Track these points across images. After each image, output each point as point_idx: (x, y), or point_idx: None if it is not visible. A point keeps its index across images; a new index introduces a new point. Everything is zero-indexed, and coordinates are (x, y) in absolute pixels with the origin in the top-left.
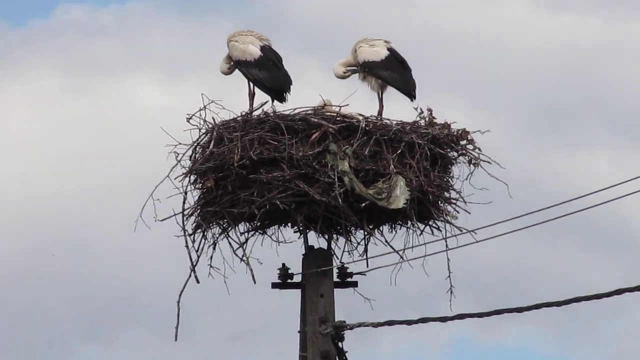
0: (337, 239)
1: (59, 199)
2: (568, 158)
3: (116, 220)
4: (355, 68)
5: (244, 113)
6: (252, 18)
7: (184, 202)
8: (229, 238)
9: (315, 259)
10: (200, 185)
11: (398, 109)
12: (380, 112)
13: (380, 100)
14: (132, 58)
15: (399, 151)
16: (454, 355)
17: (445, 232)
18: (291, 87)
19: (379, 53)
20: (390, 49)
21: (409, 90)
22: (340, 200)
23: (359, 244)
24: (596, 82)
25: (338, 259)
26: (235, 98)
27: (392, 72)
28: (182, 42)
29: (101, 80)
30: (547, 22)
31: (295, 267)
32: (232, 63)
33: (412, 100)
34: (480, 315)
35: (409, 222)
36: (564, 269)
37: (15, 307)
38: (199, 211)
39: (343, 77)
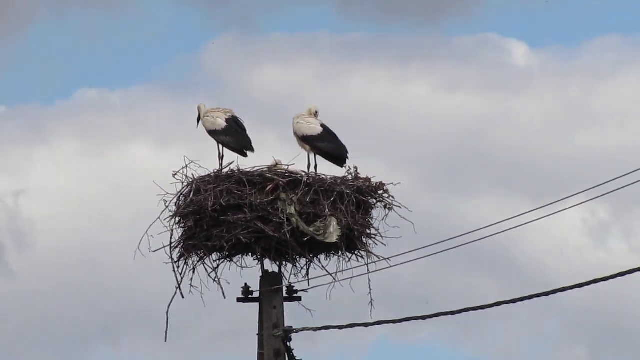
0: (286, 265)
1: (78, 234)
2: (460, 203)
3: (120, 250)
4: None
5: (215, 170)
6: (223, 95)
7: (170, 237)
8: (204, 264)
9: (270, 280)
10: (183, 224)
11: (330, 166)
12: (315, 168)
13: (314, 159)
14: (132, 129)
15: (332, 199)
16: (375, 352)
17: (367, 260)
18: (252, 145)
19: (315, 129)
20: (322, 125)
21: (342, 157)
22: (288, 236)
23: (302, 268)
24: (481, 145)
25: (286, 279)
26: (210, 159)
27: (327, 143)
28: (170, 117)
29: (109, 145)
30: (444, 100)
31: (255, 286)
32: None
33: (341, 166)
34: (394, 321)
35: (340, 252)
36: (458, 286)
37: (47, 313)
38: (182, 244)
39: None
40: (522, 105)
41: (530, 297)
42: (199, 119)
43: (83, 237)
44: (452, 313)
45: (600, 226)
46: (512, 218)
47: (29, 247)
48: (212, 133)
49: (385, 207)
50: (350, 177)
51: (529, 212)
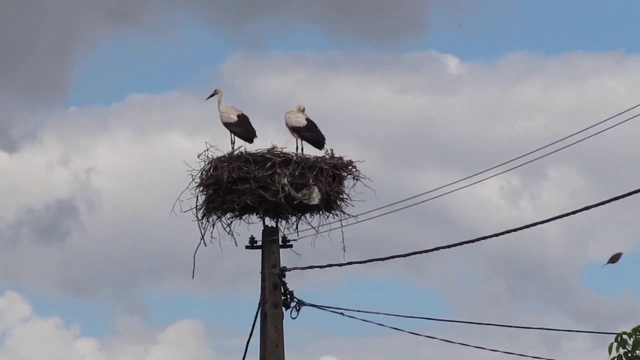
0: (281, 221)
1: (130, 199)
2: (410, 175)
3: (160, 211)
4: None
5: (229, 152)
6: (235, 98)
7: (196, 202)
8: (221, 221)
9: (269, 232)
10: (205, 192)
11: (312, 149)
12: (302, 150)
13: (301, 144)
14: (169, 123)
15: (314, 172)
16: (347, 285)
17: (341, 216)
18: (256, 134)
19: (301, 122)
20: (307, 118)
21: (321, 142)
22: (282, 200)
23: (293, 223)
24: (425, 133)
25: (282, 232)
26: (224, 145)
27: (310, 132)
28: (197, 114)
29: (152, 135)
30: (398, 100)
31: (258, 237)
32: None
33: (321, 149)
34: (361, 262)
35: (321, 211)
36: (409, 235)
37: (108, 256)
38: (204, 207)
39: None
40: (455, 103)
41: (460, 244)
42: (212, 95)
43: (134, 201)
44: (404, 255)
45: (513, 191)
46: (448, 185)
47: (96, 209)
48: (227, 125)
49: (353, 178)
50: (327, 156)
51: (460, 180)
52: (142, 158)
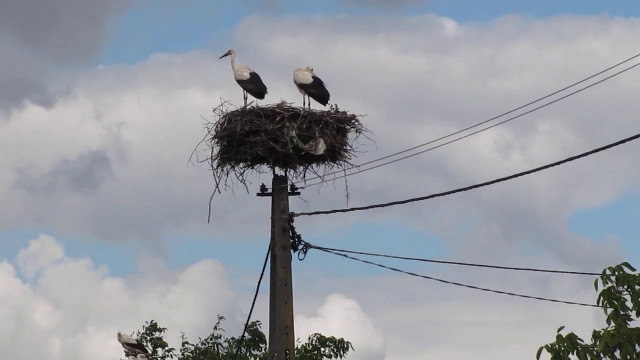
0: (290, 171)
1: (154, 150)
2: (410, 128)
3: (180, 162)
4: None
5: (242, 107)
6: (249, 57)
7: (211, 153)
8: (234, 170)
9: (279, 181)
10: (220, 144)
11: (318, 104)
12: (309, 105)
13: (308, 99)
14: (189, 80)
15: (320, 126)
16: (351, 232)
17: (345, 166)
18: (267, 90)
19: (308, 79)
20: (313, 76)
21: (325, 98)
22: (291, 151)
23: (301, 172)
24: (424, 90)
25: (290, 180)
26: (237, 100)
27: (315, 89)
28: (213, 72)
29: (173, 92)
30: (399, 59)
31: (268, 185)
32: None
33: (325, 105)
34: (363, 208)
35: (326, 162)
36: (408, 184)
37: (136, 203)
38: (219, 157)
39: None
40: (451, 63)
41: (455, 191)
42: (226, 55)
43: (157, 152)
44: (403, 202)
45: (506, 144)
46: (445, 137)
47: (126, 160)
48: (240, 82)
49: (356, 131)
50: (332, 111)
51: (456, 132)
52: (164, 114)
